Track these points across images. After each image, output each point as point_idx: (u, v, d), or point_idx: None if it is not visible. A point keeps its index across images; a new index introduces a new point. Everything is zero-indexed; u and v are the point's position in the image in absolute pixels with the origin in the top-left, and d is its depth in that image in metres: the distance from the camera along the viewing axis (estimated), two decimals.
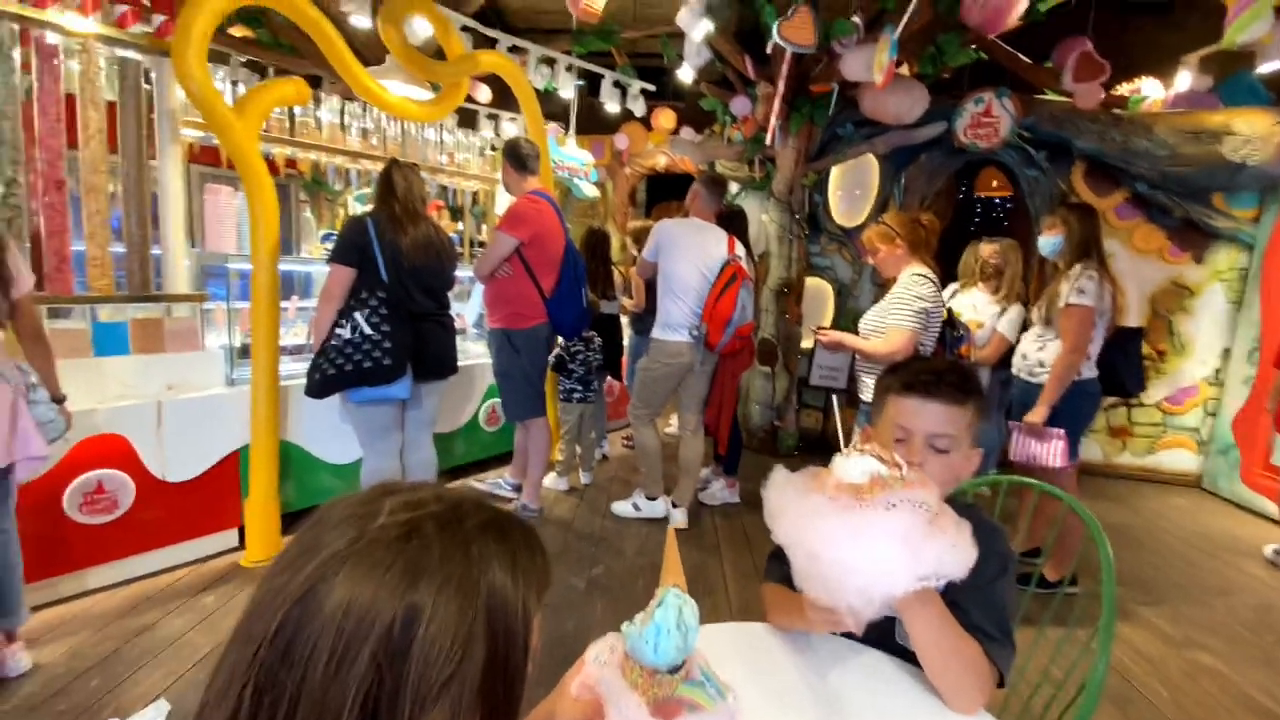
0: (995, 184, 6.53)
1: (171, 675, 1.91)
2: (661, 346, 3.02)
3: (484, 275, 2.84)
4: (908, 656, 0.93)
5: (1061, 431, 2.49)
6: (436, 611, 0.39)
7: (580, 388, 3.44)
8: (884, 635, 1.00)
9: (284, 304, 3.49)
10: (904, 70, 4.32)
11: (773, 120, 3.81)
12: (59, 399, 1.97)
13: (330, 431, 2.90)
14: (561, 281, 2.94)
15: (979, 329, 3.10)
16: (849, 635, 0.99)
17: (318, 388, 2.39)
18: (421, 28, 3.47)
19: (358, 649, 0.37)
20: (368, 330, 2.36)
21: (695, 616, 0.61)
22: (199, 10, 2.21)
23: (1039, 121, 4.09)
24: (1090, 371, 2.59)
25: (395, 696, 0.37)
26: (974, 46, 3.96)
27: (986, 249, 3.17)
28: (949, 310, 2.61)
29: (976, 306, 3.15)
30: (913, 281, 2.46)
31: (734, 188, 5.05)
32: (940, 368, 1.03)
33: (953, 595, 0.92)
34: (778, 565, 1.09)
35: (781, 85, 3.70)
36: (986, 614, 0.90)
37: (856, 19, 3.61)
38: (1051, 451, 2.49)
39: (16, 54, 2.13)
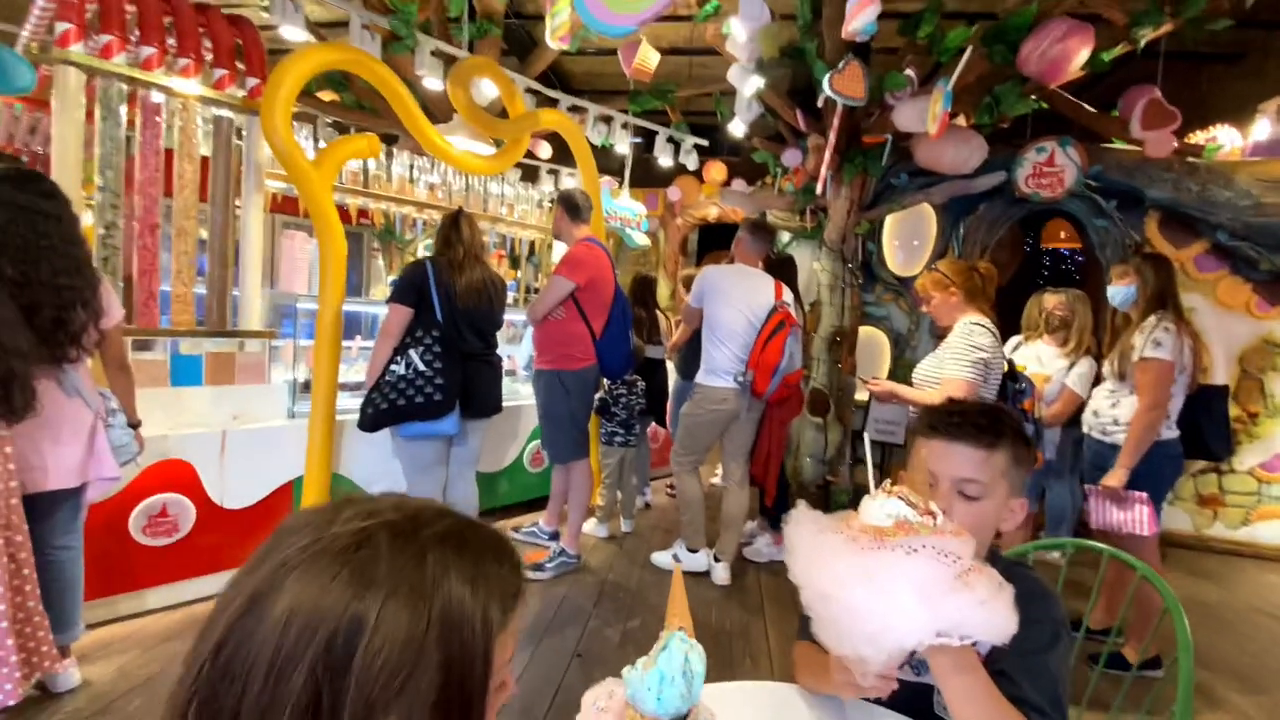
0: (1064, 235, 6.29)
1: None
2: (706, 393, 2.99)
3: (538, 318, 2.91)
4: None
5: (1145, 495, 2.29)
6: (382, 623, 0.37)
7: (622, 431, 3.42)
8: (921, 705, 0.91)
9: (348, 343, 3.68)
10: (960, 120, 4.29)
11: (823, 170, 3.82)
12: (134, 424, 2.10)
13: (381, 467, 2.97)
14: (610, 324, 2.98)
15: (1046, 383, 2.93)
16: (883, 702, 0.91)
17: (370, 421, 2.47)
18: (489, 89, 3.71)
19: (297, 662, 0.35)
20: (421, 367, 2.44)
21: (702, 663, 0.58)
22: (286, 75, 2.43)
23: (1107, 170, 3.95)
24: (1171, 432, 2.40)
25: (335, 713, 0.35)
26: (1034, 96, 3.90)
27: (1051, 300, 3.03)
28: (1010, 362, 2.48)
29: (1042, 359, 2.99)
30: (969, 330, 2.36)
31: (785, 237, 5.06)
32: (969, 409, 0.96)
33: (999, 665, 0.84)
34: (809, 623, 1.03)
35: (833, 136, 3.72)
36: (1036, 686, 0.81)
37: (909, 72, 3.63)
38: (1136, 518, 2.28)
39: (123, 111, 2.38)
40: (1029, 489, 2.98)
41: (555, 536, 3.24)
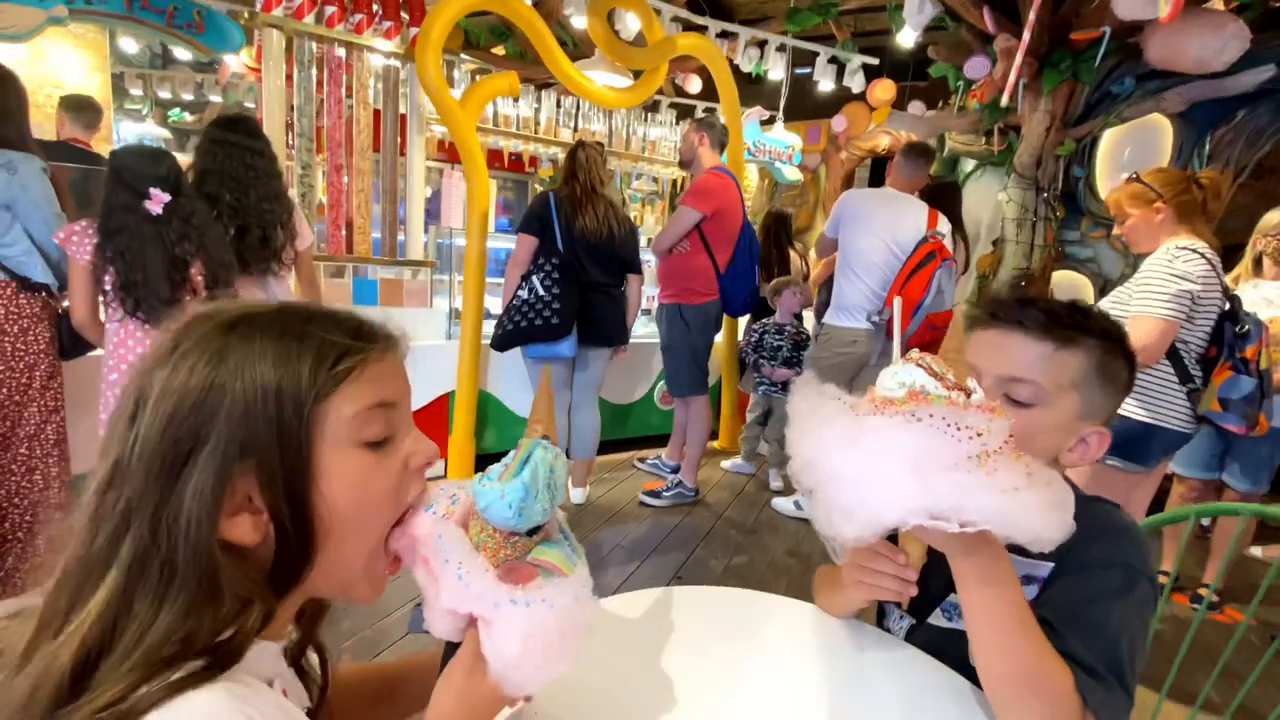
0: None
1: None
2: (834, 333, 2.76)
3: (663, 249, 2.90)
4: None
5: None
6: (178, 374, 0.43)
7: (759, 376, 3.30)
8: (955, 653, 0.78)
9: (501, 280, 4.01)
10: (1216, 2, 3.33)
11: (1012, 77, 3.22)
12: None
13: (522, 387, 3.23)
14: (736, 259, 2.87)
15: None
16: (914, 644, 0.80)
17: (499, 341, 2.69)
18: (633, 22, 3.67)
19: (124, 403, 0.45)
20: (541, 292, 2.58)
21: (564, 471, 0.53)
22: (435, 20, 2.63)
23: None
24: None
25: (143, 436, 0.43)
26: None
27: (1275, 219, 2.29)
28: (1234, 299, 1.94)
29: (1272, 300, 2.29)
30: (1174, 256, 1.88)
31: (969, 165, 4.40)
32: (1048, 299, 0.76)
33: (1043, 610, 0.67)
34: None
35: (1027, 35, 3.11)
36: (1087, 640, 0.64)
37: None
38: None
39: (314, 68, 2.77)
40: (1211, 456, 2.35)
41: (677, 469, 3.29)
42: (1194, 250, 1.86)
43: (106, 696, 0.37)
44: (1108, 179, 3.86)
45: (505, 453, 0.52)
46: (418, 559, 0.52)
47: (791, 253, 3.72)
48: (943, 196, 2.93)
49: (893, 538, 0.73)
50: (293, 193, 2.71)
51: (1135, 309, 1.88)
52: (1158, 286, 1.84)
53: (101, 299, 1.82)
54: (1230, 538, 2.37)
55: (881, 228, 2.63)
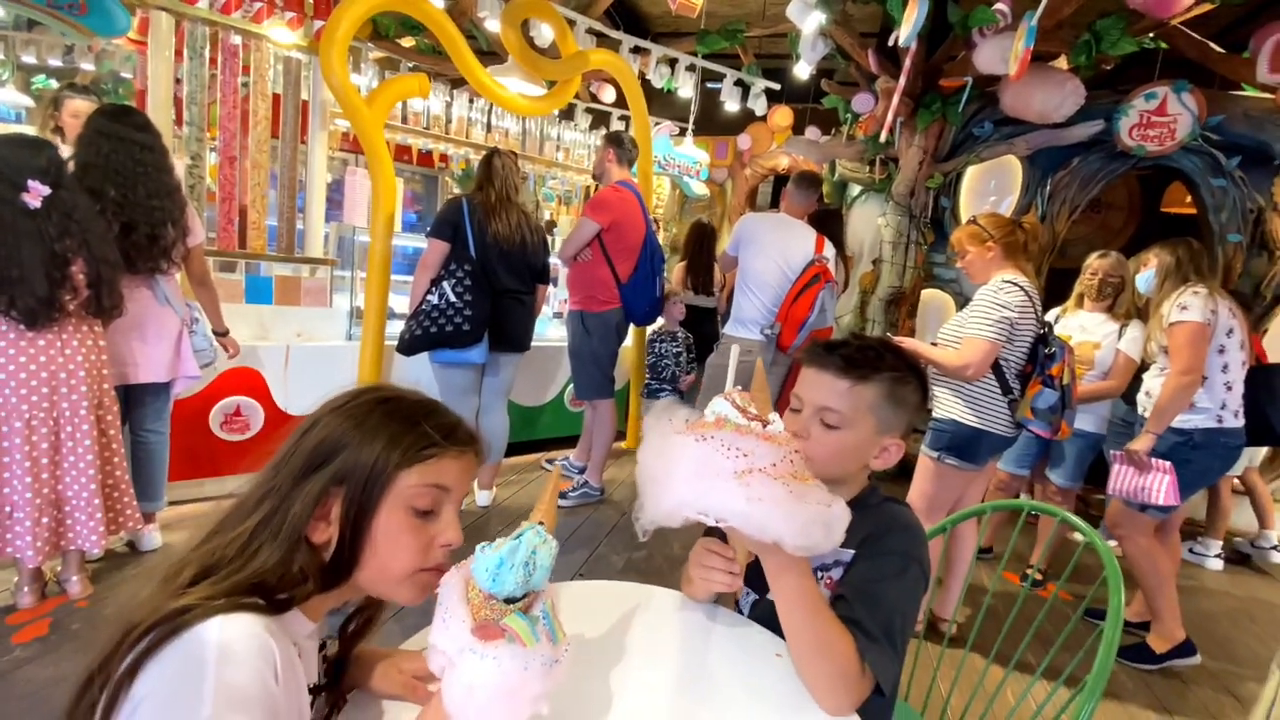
0: (1187, 199, 5.54)
1: None
2: (730, 343, 3.00)
3: (566, 257, 3.01)
4: None
5: (1168, 465, 2.14)
6: (328, 423, 0.66)
7: (658, 383, 3.48)
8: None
9: (408, 277, 3.95)
10: (1060, 62, 3.86)
11: (889, 116, 3.59)
12: (221, 332, 2.43)
13: (426, 389, 3.22)
14: (638, 269, 3.02)
15: (1097, 350, 2.70)
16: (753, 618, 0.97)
17: (406, 346, 2.69)
18: (548, 31, 3.74)
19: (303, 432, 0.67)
20: (452, 298, 2.61)
21: (551, 557, 0.61)
22: (342, 16, 2.59)
23: (1230, 121, 3.44)
24: (1235, 420, 2.21)
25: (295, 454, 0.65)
26: (1152, 35, 3.43)
27: (1098, 263, 2.75)
28: (1046, 325, 2.32)
29: (1086, 328, 2.74)
30: (998, 288, 2.22)
31: (854, 190, 4.82)
32: (854, 343, 0.96)
33: (841, 587, 0.89)
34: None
35: (904, 79, 3.47)
36: (870, 612, 0.83)
37: (1002, 5, 3.29)
38: (1155, 487, 2.15)
39: (207, 52, 2.65)
40: (1032, 456, 2.79)
41: (583, 470, 3.42)
42: (1015, 284, 2.21)
43: (202, 593, 0.57)
44: (970, 209, 4.37)
45: None
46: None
47: (716, 264, 3.92)
48: (828, 222, 3.24)
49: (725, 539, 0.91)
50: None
51: (967, 331, 2.21)
52: (985, 313, 2.17)
53: None
54: (1051, 526, 2.80)
55: (775, 251, 2.88)
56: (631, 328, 3.41)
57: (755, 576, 0.93)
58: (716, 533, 0.94)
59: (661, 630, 0.95)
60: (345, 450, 0.64)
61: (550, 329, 3.99)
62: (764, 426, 0.77)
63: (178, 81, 2.67)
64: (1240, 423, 2.24)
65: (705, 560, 0.89)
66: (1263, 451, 3.44)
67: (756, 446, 0.73)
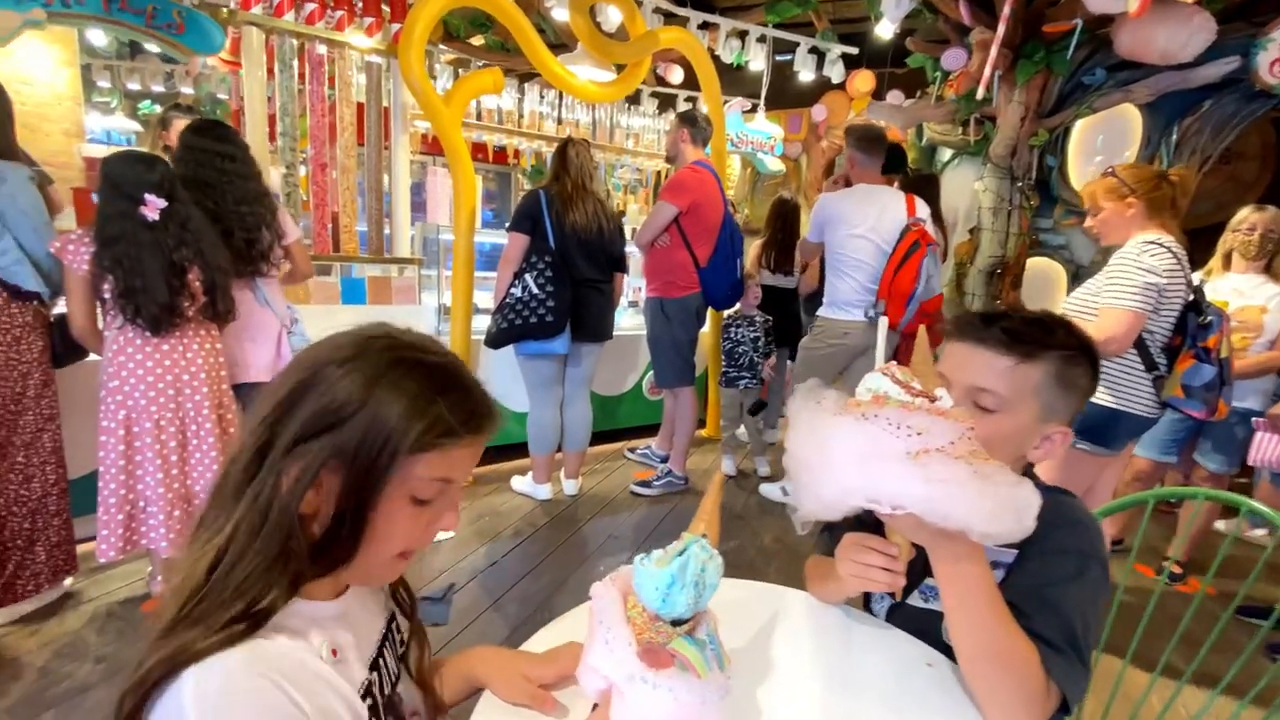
0: None
1: None
2: (827, 326, 2.83)
3: (644, 243, 2.95)
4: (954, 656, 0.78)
5: None
6: (338, 380, 0.55)
7: (737, 370, 3.33)
8: (930, 631, 0.86)
9: (491, 273, 4.01)
10: None
11: (986, 70, 3.30)
12: None
13: (512, 383, 3.25)
14: (717, 252, 2.92)
15: (1264, 315, 2.36)
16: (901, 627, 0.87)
17: (493, 339, 2.72)
18: (615, 14, 3.67)
19: (288, 375, 0.57)
20: (535, 290, 2.61)
21: (718, 574, 0.56)
22: (418, 16, 2.62)
23: None
24: None
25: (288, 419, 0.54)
26: None
27: (1254, 217, 2.39)
28: (1198, 291, 2.04)
29: (1243, 291, 2.40)
30: (1142, 250, 1.97)
31: (945, 154, 4.49)
32: (1014, 314, 0.83)
33: (1008, 594, 0.76)
34: (826, 537, 1.00)
35: (1002, 29, 3.18)
36: (1048, 621, 0.72)
37: None
38: None
39: (295, 65, 2.75)
40: (1180, 441, 2.46)
41: (666, 459, 3.36)
42: (1161, 245, 1.95)
43: (179, 644, 0.48)
44: (1080, 168, 3.98)
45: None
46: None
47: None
48: (923, 187, 3.01)
49: (882, 532, 0.80)
50: (276, 190, 2.70)
51: (1104, 301, 1.97)
52: (1126, 279, 1.93)
53: (100, 307, 1.83)
54: (1190, 514, 2.50)
55: (863, 224, 2.70)
56: (709, 313, 3.31)
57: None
58: (867, 526, 0.85)
59: (798, 636, 0.87)
60: (353, 419, 0.53)
61: (625, 318, 3.95)
62: (932, 402, 0.67)
63: (269, 99, 2.79)
64: None
65: (861, 557, 0.78)
66: None
67: (930, 423, 0.64)
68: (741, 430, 3.58)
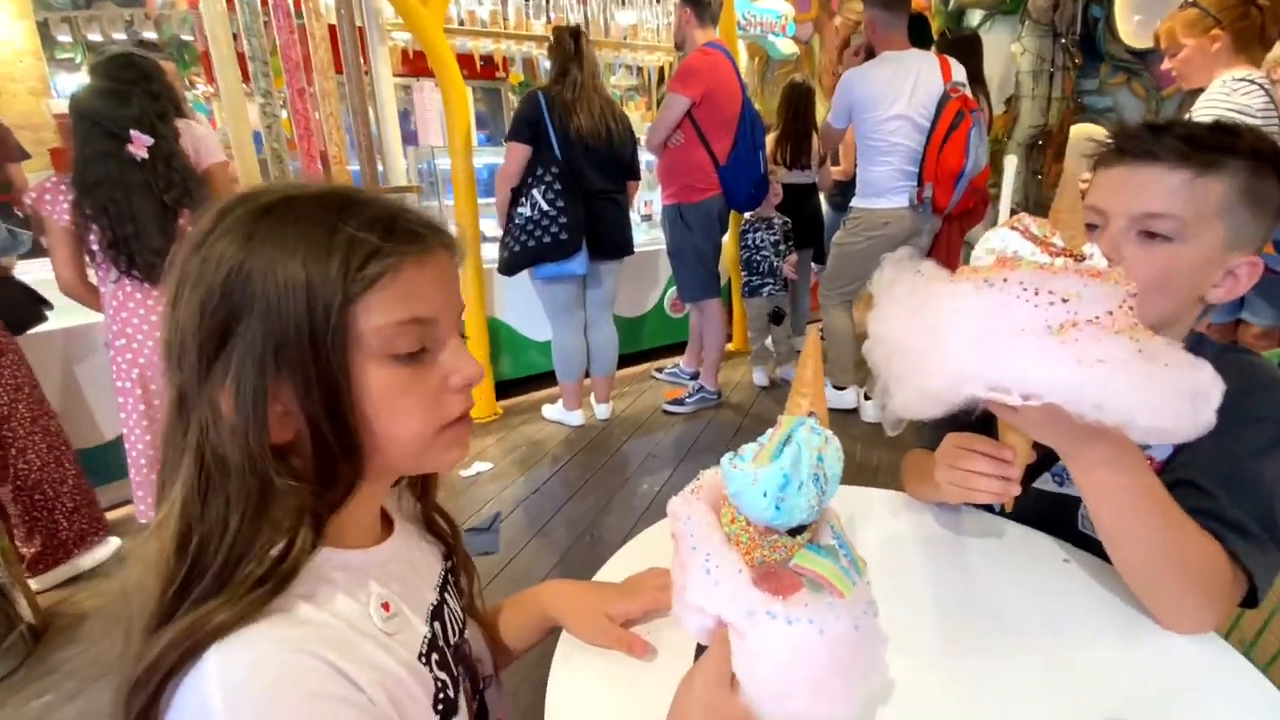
0: None
1: None
2: (864, 217, 2.60)
3: (656, 144, 2.71)
4: (1093, 547, 0.67)
5: None
6: (203, 272, 0.42)
7: (760, 278, 3.13)
8: (1064, 519, 0.74)
9: (492, 199, 3.80)
10: None
11: None
12: None
13: (532, 311, 3.09)
14: (737, 146, 2.67)
15: None
16: (1014, 515, 0.76)
17: (506, 265, 2.57)
18: None
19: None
20: (544, 206, 2.42)
21: (839, 460, 0.42)
22: None
23: None
24: None
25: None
26: None
27: None
28: None
29: None
30: (1231, 89, 1.73)
31: (975, 17, 4.06)
32: (1178, 123, 0.67)
33: (1186, 471, 0.63)
34: (928, 430, 0.87)
35: None
36: (1239, 499, 0.60)
37: None
38: None
39: None
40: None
41: (696, 376, 3.26)
42: (1251, 81, 1.72)
43: (190, 621, 0.39)
44: (1128, 16, 3.56)
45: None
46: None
47: (815, 133, 3.42)
48: (961, 50, 2.69)
49: (995, 434, 0.67)
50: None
51: None
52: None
53: (90, 261, 1.69)
54: None
55: (896, 99, 2.42)
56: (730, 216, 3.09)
57: None
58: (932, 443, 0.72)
59: (902, 542, 0.76)
60: (253, 298, 0.40)
61: (639, 234, 3.73)
62: (1079, 261, 0.52)
63: (235, 36, 2.51)
64: None
65: (966, 463, 0.65)
66: None
67: (1081, 287, 0.49)
68: (769, 340, 3.43)
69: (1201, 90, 1.83)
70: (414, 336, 0.45)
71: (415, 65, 3.88)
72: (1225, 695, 0.53)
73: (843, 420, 2.93)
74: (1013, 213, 0.60)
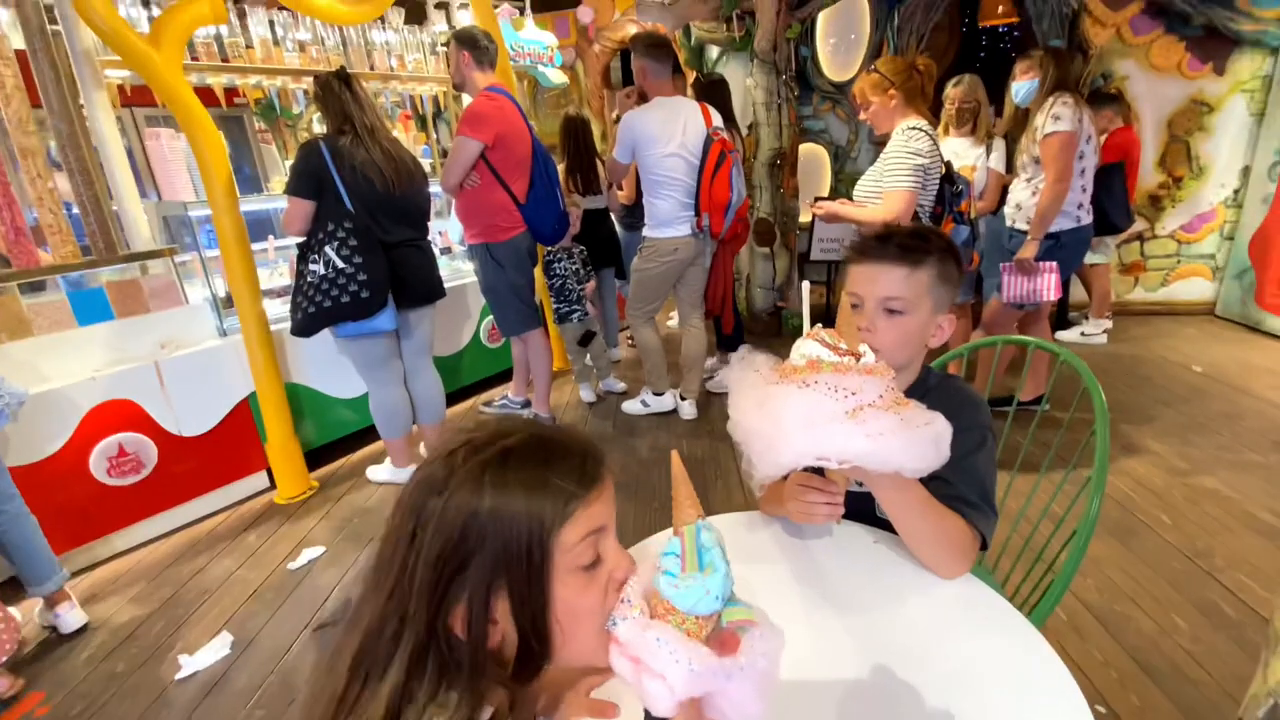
0: (1001, 9, 5.91)
1: (229, 610, 2.06)
2: (657, 245, 2.91)
3: (451, 186, 2.69)
4: (888, 527, 0.95)
5: (1053, 265, 2.52)
6: (447, 510, 0.52)
7: (568, 305, 3.29)
8: (865, 510, 1.02)
9: (262, 245, 3.39)
10: None
11: None
12: None
13: (335, 368, 2.89)
14: (534, 185, 2.78)
15: (974, 174, 2.95)
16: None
17: (301, 327, 2.36)
18: None
19: (397, 533, 0.53)
20: (340, 264, 2.28)
21: (720, 538, 0.58)
22: None
23: None
24: (1087, 218, 2.58)
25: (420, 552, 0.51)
26: None
27: (954, 91, 2.95)
28: (948, 164, 2.45)
29: (958, 154, 2.97)
30: (907, 137, 2.29)
31: (714, 52, 4.65)
32: (896, 232, 1.00)
33: (937, 470, 0.93)
34: None
35: None
36: (967, 483, 0.92)
37: None
38: (1045, 286, 2.52)
39: None
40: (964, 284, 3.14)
41: (527, 405, 3.32)
42: (920, 129, 2.29)
43: None
44: (828, 56, 4.39)
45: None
46: (624, 660, 0.55)
47: (599, 160, 3.65)
48: (715, 92, 3.12)
49: (821, 472, 0.92)
50: None
51: (889, 184, 2.29)
52: (901, 163, 2.25)
53: None
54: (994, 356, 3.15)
55: (674, 143, 2.74)
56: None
57: None
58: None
59: (756, 550, 0.98)
60: (484, 541, 0.51)
61: (442, 267, 3.65)
62: (858, 360, 0.76)
63: None
64: (1091, 219, 2.60)
65: (806, 497, 0.89)
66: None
67: (861, 383, 0.73)
68: (589, 357, 3.63)
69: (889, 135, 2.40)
70: (594, 548, 0.55)
71: (136, 96, 3.31)
72: (978, 609, 0.82)
73: (665, 420, 3.24)
74: (812, 324, 0.84)
